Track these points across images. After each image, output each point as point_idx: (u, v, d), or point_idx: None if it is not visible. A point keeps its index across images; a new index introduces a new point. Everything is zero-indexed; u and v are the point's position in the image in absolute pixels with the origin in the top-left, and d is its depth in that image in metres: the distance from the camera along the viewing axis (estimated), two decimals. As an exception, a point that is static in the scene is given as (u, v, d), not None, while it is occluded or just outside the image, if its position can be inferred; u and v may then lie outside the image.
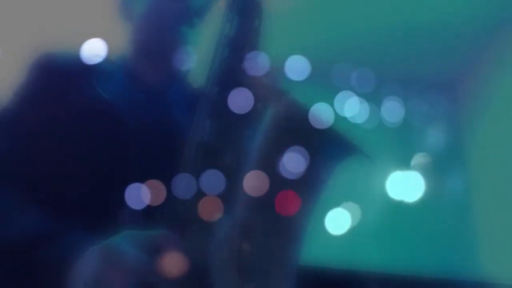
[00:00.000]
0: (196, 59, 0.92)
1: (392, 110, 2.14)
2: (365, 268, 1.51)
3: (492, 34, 2.21)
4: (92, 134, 0.81)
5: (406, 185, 2.04)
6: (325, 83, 1.98)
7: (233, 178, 0.68)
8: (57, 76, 0.85)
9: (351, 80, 2.08)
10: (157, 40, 0.91)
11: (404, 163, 2.17)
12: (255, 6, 0.81)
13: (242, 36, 0.79)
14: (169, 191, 0.70)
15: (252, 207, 0.66)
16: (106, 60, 0.89)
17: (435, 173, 2.25)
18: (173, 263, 0.63)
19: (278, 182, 0.65)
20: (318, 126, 0.70)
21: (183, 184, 0.70)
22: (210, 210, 0.68)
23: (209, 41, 0.82)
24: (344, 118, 2.01)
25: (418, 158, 2.18)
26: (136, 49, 0.93)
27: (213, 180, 0.70)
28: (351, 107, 2.00)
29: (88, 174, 0.79)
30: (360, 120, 2.04)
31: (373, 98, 2.10)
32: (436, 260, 2.11)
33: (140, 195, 0.73)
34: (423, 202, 2.17)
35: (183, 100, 0.91)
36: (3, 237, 0.72)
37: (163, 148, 0.83)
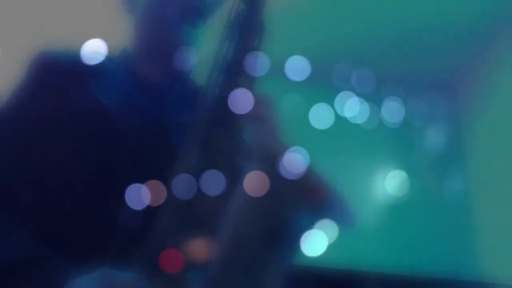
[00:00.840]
0: (198, 59, 0.92)
1: (392, 110, 2.14)
2: (365, 268, 1.51)
3: (492, 34, 2.21)
4: (87, 136, 0.81)
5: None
6: (325, 83, 1.98)
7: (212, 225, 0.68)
8: (55, 76, 0.84)
9: (351, 80, 2.08)
10: (159, 36, 0.90)
11: (404, 163, 2.17)
12: (257, 23, 0.78)
13: (240, 60, 0.76)
14: (168, 192, 0.70)
15: (228, 264, 0.65)
16: (107, 59, 0.88)
17: (435, 173, 2.25)
18: None
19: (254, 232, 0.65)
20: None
21: (182, 186, 0.70)
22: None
23: (212, 42, 0.81)
24: (344, 118, 2.01)
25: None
26: (138, 46, 0.92)
27: (212, 181, 0.70)
28: (351, 108, 2.00)
29: (82, 176, 0.79)
30: (360, 120, 2.04)
31: (373, 98, 2.10)
32: (436, 260, 2.11)
33: (140, 195, 0.73)
34: (423, 202, 2.17)
35: (184, 100, 0.91)
36: None
37: (160, 150, 0.82)
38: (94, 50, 0.86)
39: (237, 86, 0.74)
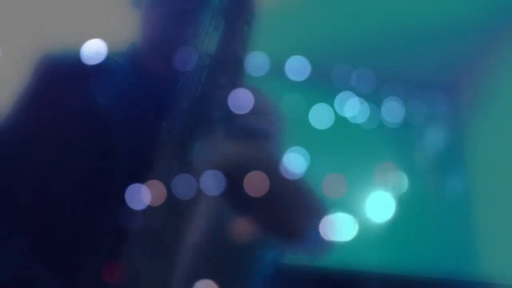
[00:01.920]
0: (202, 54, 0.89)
1: (392, 110, 2.14)
2: (365, 268, 1.51)
3: (493, 34, 2.20)
4: (92, 139, 0.79)
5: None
6: (325, 83, 1.98)
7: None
8: (60, 78, 0.83)
9: (351, 80, 2.08)
10: (165, 31, 0.88)
11: (404, 163, 2.17)
12: (247, 5, 0.72)
13: (225, 52, 0.69)
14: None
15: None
16: (112, 59, 0.87)
17: (435, 173, 2.24)
18: None
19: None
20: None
21: (183, 185, 0.69)
22: None
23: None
24: (344, 118, 2.01)
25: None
26: (145, 43, 0.90)
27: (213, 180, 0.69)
28: (351, 108, 2.00)
29: (86, 179, 0.78)
30: (360, 120, 2.04)
31: (373, 98, 2.10)
32: (436, 260, 2.11)
33: (140, 195, 0.72)
34: (423, 202, 2.17)
35: (184, 100, 0.89)
36: None
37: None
38: (94, 50, 0.85)
39: (221, 84, 0.69)
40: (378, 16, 2.10)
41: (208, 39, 0.71)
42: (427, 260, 2.11)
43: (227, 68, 0.69)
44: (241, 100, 0.69)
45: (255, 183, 0.62)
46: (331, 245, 0.66)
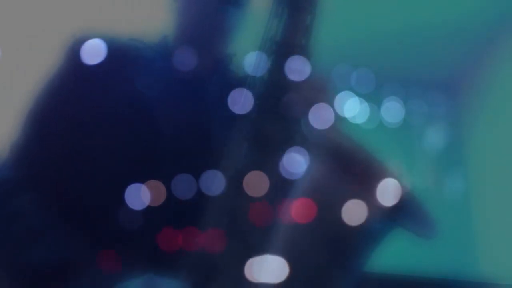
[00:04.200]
0: (241, 44, 0.87)
1: (392, 110, 2.14)
2: (365, 268, 1.51)
3: (492, 34, 2.20)
4: (124, 127, 0.78)
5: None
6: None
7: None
8: (94, 68, 0.81)
9: (351, 80, 2.07)
10: (201, 20, 0.85)
11: (404, 164, 2.17)
12: None
13: (290, 40, 0.71)
14: (199, 189, 0.68)
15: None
16: (147, 48, 0.85)
17: (435, 173, 2.24)
18: None
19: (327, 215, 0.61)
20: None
21: (183, 185, 0.69)
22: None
23: (256, 26, 0.75)
24: (344, 119, 2.00)
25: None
26: (180, 32, 0.88)
27: (213, 181, 0.68)
28: (351, 108, 2.00)
29: (118, 172, 0.76)
30: (360, 120, 2.03)
31: (373, 98, 2.10)
32: (436, 260, 2.11)
33: (140, 195, 0.72)
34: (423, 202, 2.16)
35: (225, 91, 0.87)
36: (35, 259, 0.70)
37: (198, 146, 0.79)
38: (93, 50, 0.85)
39: (288, 70, 0.70)
40: (378, 16, 2.09)
41: (272, 27, 0.72)
42: (427, 260, 2.11)
43: (293, 54, 0.70)
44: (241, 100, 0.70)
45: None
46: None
